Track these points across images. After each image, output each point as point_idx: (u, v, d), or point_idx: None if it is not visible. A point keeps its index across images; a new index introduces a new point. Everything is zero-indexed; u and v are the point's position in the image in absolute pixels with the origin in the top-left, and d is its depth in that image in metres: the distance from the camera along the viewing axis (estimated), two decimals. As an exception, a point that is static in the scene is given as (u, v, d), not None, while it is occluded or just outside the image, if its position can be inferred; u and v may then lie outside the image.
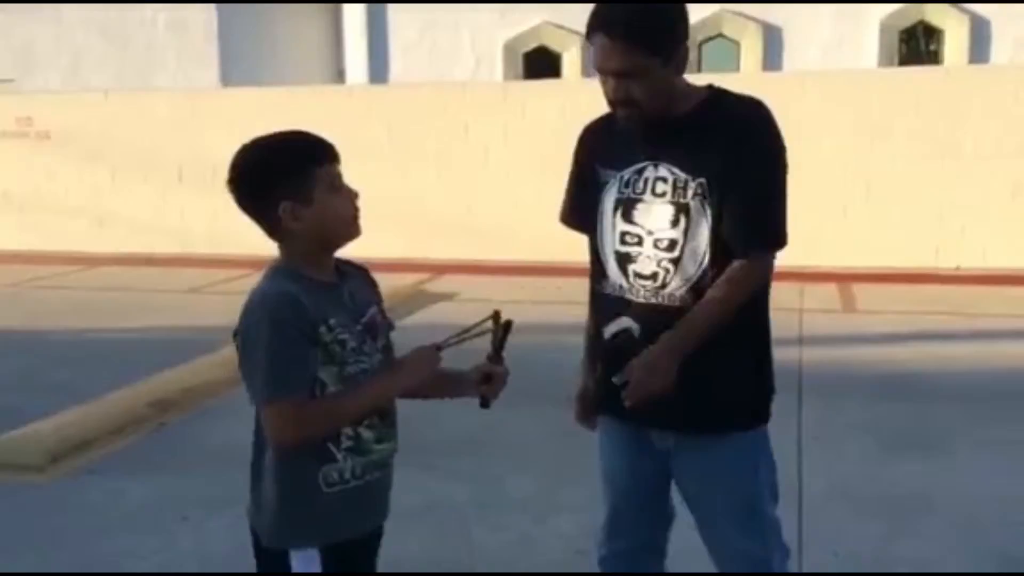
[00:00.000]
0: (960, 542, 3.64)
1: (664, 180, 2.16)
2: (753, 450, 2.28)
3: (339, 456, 1.93)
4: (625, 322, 2.23)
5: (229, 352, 1.97)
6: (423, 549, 3.63)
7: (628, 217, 2.21)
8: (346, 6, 15.23)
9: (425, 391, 2.06)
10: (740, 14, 13.78)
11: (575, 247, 8.45)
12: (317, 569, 1.93)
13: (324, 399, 1.90)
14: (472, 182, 10.30)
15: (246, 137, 1.97)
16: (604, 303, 2.29)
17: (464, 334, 2.03)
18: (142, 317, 8.13)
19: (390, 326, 2.08)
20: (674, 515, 2.49)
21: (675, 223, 2.15)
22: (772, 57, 13.77)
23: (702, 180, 2.12)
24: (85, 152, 11.18)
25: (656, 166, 2.18)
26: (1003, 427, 4.96)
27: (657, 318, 2.16)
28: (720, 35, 14.08)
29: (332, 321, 1.89)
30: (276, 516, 1.94)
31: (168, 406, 5.36)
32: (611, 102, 2.18)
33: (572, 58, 14.44)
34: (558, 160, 11.49)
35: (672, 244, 2.15)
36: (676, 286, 2.16)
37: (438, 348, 2.02)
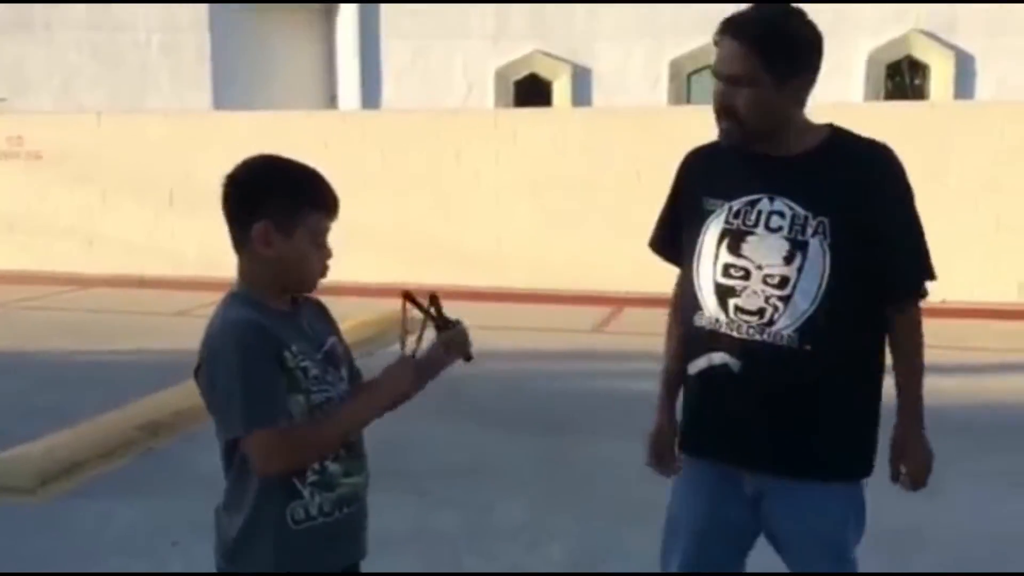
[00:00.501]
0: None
1: (781, 215, 2.09)
2: (851, 502, 2.22)
3: (305, 492, 1.87)
4: (719, 357, 2.14)
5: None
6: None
7: (735, 249, 2.12)
8: (339, 31, 15.35)
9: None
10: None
11: (565, 275, 8.44)
12: None
13: (308, 423, 1.85)
14: (463, 208, 10.35)
15: (239, 160, 1.94)
16: (695, 336, 2.19)
17: (416, 332, 1.96)
18: (132, 339, 8.11)
19: (351, 358, 2.04)
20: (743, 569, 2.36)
21: (789, 260, 2.08)
22: (761, 89, 13.92)
23: (823, 219, 2.07)
24: (77, 173, 11.18)
25: (772, 200, 2.11)
26: (990, 460, 5.01)
27: (760, 355, 2.09)
28: (708, 67, 14.22)
29: (294, 348, 1.86)
30: (239, 551, 1.90)
31: (158, 429, 5.36)
32: (716, 111, 2.13)
33: (562, 86, 14.57)
34: (548, 187, 11.59)
35: (784, 281, 2.08)
36: (784, 325, 2.08)
37: (413, 356, 1.94)
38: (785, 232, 2.08)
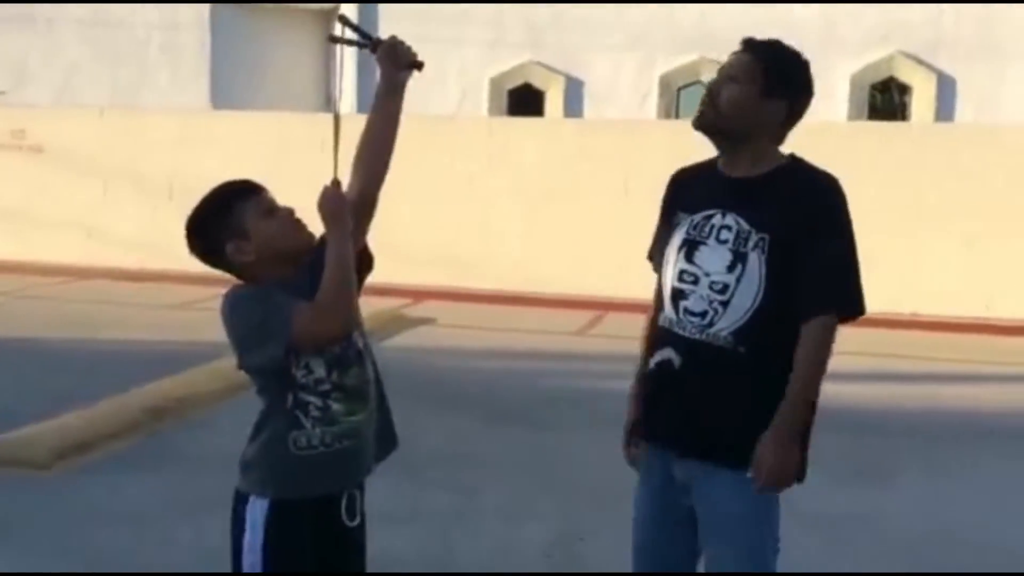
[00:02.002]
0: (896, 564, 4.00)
1: (729, 228, 2.36)
2: (767, 498, 2.38)
3: (307, 424, 2.15)
4: (667, 353, 2.41)
5: (220, 365, 2.26)
6: (407, 549, 3.95)
7: (690, 257, 2.40)
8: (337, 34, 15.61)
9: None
10: (718, 62, 14.30)
11: (552, 279, 8.80)
12: (261, 516, 2.17)
13: (318, 293, 2.10)
14: (455, 212, 10.65)
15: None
16: (656, 334, 2.48)
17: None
18: (133, 330, 8.38)
19: None
20: (699, 554, 2.51)
21: (731, 269, 2.33)
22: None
23: (764, 235, 2.32)
24: (78, 166, 11.43)
25: (724, 215, 2.38)
26: (946, 461, 5.34)
27: (699, 354, 2.35)
28: (698, 82, 14.59)
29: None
30: (248, 463, 2.21)
31: (162, 414, 5.64)
32: (702, 98, 2.43)
33: (555, 96, 14.91)
34: (538, 194, 11.88)
35: (725, 288, 2.33)
36: (721, 327, 2.33)
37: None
38: (730, 244, 2.36)
